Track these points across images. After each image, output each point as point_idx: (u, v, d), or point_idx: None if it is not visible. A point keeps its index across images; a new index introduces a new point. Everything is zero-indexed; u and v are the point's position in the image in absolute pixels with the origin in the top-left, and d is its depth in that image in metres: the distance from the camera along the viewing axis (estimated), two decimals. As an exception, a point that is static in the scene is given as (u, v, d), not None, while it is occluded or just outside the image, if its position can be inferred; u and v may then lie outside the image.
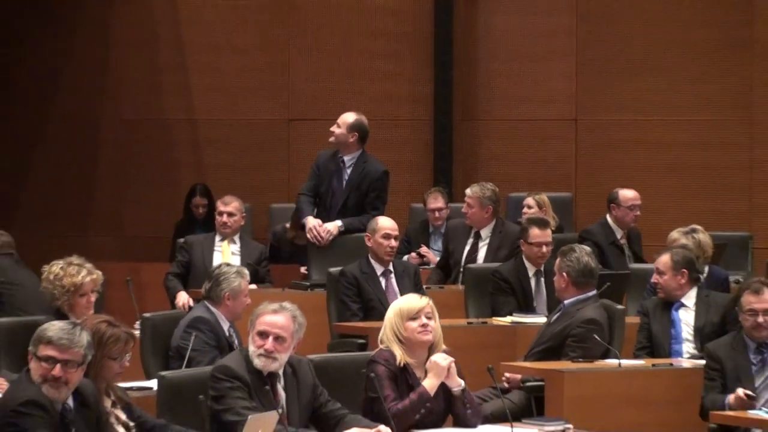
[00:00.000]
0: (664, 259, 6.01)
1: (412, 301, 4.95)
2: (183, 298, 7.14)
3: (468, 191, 7.82)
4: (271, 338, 4.57)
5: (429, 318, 4.85)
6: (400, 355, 4.80)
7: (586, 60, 10.00)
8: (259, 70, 10.19)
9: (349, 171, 7.66)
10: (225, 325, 5.68)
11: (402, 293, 6.33)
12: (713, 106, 9.73)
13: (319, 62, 10.21)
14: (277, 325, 4.60)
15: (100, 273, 5.50)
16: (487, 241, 7.66)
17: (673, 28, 9.93)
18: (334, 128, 7.67)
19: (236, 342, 5.72)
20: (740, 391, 5.15)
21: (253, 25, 10.32)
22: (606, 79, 9.97)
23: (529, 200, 8.26)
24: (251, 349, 4.60)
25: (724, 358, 5.30)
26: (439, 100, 9.95)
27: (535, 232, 6.87)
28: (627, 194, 8.05)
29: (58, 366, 4.12)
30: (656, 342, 5.93)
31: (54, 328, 4.26)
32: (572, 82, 10.05)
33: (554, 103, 10.07)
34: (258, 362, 4.58)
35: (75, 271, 5.53)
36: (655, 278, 6.08)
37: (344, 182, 7.65)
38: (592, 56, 10.02)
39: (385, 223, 6.85)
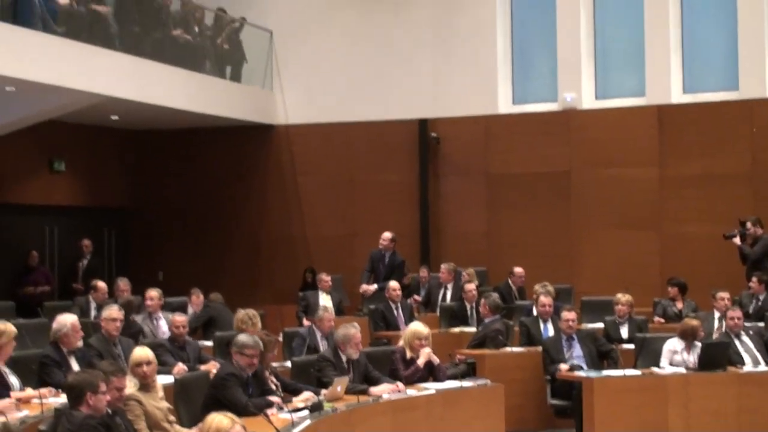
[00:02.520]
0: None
1: (421, 328, 9.85)
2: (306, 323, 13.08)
3: (443, 266, 14.18)
4: (354, 341, 9.45)
5: (426, 339, 9.77)
6: (408, 351, 9.92)
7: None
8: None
9: (387, 259, 14.27)
10: (318, 334, 10.88)
11: (405, 320, 12.47)
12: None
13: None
14: (357, 336, 9.41)
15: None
16: (450, 291, 14.02)
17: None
18: (381, 241, 14.36)
19: (321, 346, 10.74)
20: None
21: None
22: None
23: (465, 273, 14.49)
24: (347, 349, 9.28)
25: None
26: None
27: (469, 286, 13.09)
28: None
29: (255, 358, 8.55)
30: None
31: (244, 338, 8.38)
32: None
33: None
34: (350, 352, 9.33)
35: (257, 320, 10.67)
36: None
37: (385, 265, 14.25)
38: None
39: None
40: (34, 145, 16.00)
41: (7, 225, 15.85)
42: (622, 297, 12.47)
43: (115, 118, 16.48)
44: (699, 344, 10.42)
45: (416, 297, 14.77)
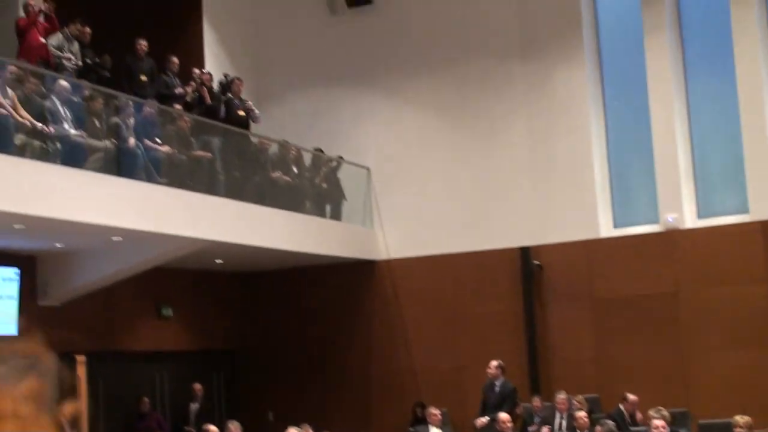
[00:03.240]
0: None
1: None
2: None
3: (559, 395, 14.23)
4: None
5: None
6: None
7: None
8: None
9: (497, 388, 14.22)
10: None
11: None
12: None
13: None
14: None
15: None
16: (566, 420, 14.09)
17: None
18: (488, 370, 14.55)
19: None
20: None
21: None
22: None
23: (575, 400, 14.35)
24: None
25: None
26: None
27: (580, 414, 13.07)
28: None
29: None
30: None
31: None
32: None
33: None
34: None
35: None
36: None
37: (495, 394, 14.14)
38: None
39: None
40: (142, 292, 16.36)
41: (118, 372, 16.15)
42: (741, 419, 12.17)
43: (219, 262, 16.79)
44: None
45: (530, 429, 14.68)
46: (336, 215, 17.75)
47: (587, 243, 16.82)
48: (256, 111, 16.90)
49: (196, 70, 16.65)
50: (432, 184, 17.95)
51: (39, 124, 12.18)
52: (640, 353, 16.26)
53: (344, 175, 18.04)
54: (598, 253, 16.75)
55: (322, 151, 17.94)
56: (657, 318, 16.27)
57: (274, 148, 16.80)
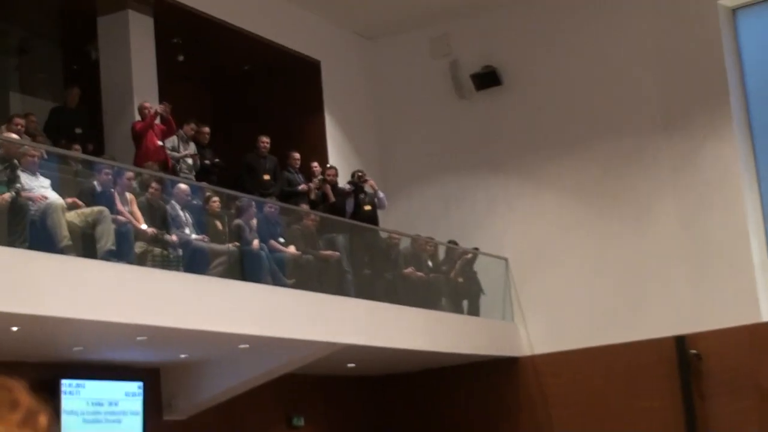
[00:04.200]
0: None
1: None
2: None
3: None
4: None
5: None
6: None
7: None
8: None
9: None
10: None
11: None
12: None
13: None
14: None
15: None
16: None
17: None
18: None
19: None
20: None
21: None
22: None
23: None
24: None
25: None
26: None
27: None
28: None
29: None
30: None
31: None
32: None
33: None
34: None
35: None
36: None
37: None
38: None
39: None
40: (271, 400, 16.18)
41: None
42: None
43: (351, 365, 16.59)
44: None
45: None
46: (474, 310, 17.52)
47: (750, 328, 16.16)
48: (381, 194, 16.71)
49: (315, 165, 16.63)
50: (576, 272, 17.59)
51: (159, 231, 12.18)
52: (816, 447, 15.46)
53: (481, 267, 17.82)
54: (762, 338, 16.05)
55: (456, 243, 17.79)
56: (833, 409, 15.47)
57: (405, 243, 16.65)
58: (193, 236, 12.73)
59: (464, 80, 18.84)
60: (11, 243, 10.27)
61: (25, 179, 10.94)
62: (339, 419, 17.62)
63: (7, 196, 10.38)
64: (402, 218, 18.23)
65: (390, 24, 19.37)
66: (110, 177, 11.99)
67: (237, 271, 13.03)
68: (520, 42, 18.58)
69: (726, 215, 16.57)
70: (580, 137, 17.89)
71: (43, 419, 2.78)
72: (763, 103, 16.92)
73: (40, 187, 11.03)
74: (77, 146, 13.41)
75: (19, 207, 10.48)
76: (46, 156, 11.62)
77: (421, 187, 19.11)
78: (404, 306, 15.50)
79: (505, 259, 18.05)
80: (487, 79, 18.62)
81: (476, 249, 17.86)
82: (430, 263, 16.93)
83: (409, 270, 16.30)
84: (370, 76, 19.78)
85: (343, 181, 16.93)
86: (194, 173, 14.81)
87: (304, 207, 15.64)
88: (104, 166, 12.09)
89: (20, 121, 12.41)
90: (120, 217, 11.63)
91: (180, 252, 12.34)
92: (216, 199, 13.32)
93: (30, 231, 10.46)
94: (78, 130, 14.51)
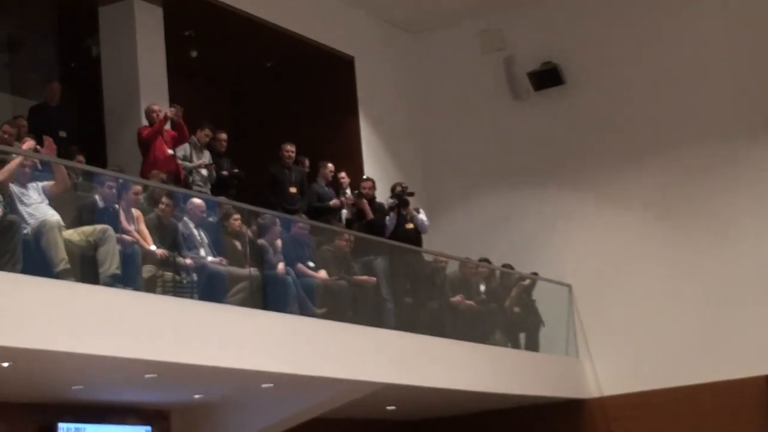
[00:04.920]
0: None
1: None
2: None
3: None
4: None
5: None
6: None
7: None
8: None
9: None
10: None
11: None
12: None
13: None
14: None
15: None
16: None
17: None
18: None
19: None
20: None
21: None
22: None
23: None
24: None
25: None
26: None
27: None
28: None
29: None
30: None
31: None
32: None
33: None
34: None
35: None
36: None
37: None
38: None
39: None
40: (298, 448, 16.17)
41: None
42: None
43: (391, 408, 16.54)
44: None
45: None
46: (532, 345, 17.51)
47: None
48: (423, 217, 16.72)
49: (343, 176, 16.68)
50: (649, 300, 17.60)
51: (170, 252, 12.15)
52: None
53: (540, 294, 17.81)
54: None
55: (511, 267, 17.77)
56: None
57: (452, 267, 16.60)
58: (209, 258, 12.68)
59: (520, 79, 18.88)
60: (0, 266, 10.26)
61: (16, 193, 10.91)
62: (377, 469, 17.62)
63: (-4, 212, 10.37)
64: (448, 238, 18.25)
65: (434, 15, 19.40)
66: (114, 191, 11.96)
67: (259, 298, 12.98)
68: (585, 35, 18.60)
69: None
70: (650, 146, 17.95)
71: None
72: None
73: (35, 203, 11.00)
74: (81, 157, 13.42)
75: (8, 225, 10.45)
76: (40, 167, 11.60)
77: (470, 202, 19.17)
78: (452, 340, 15.44)
79: (568, 286, 18.05)
80: (547, 77, 18.64)
81: (534, 274, 17.84)
82: (481, 289, 16.85)
83: (458, 298, 16.24)
84: (411, 75, 19.81)
85: (380, 195, 16.90)
86: (209, 186, 14.80)
87: (338, 225, 15.60)
88: (107, 179, 12.06)
89: (11, 130, 12.42)
90: (126, 237, 11.60)
91: (194, 277, 12.28)
92: (237, 216, 13.29)
93: (23, 252, 10.43)
94: (62, 134, 14.44)
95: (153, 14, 15.93)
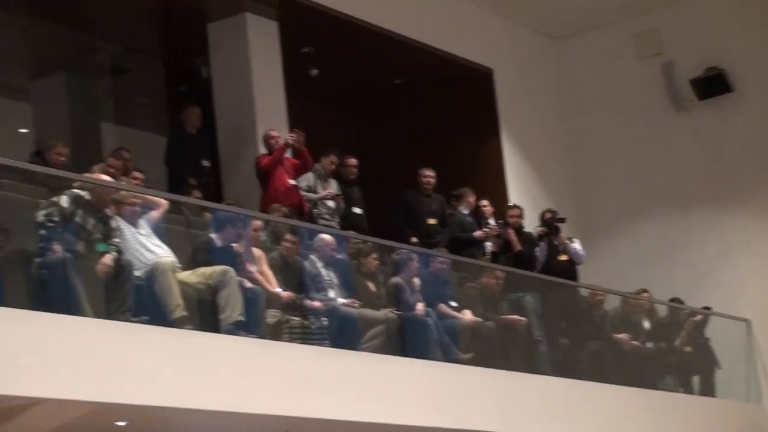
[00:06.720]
0: None
1: None
2: None
3: None
4: None
5: None
6: None
7: None
8: None
9: None
10: None
11: None
12: None
13: None
14: None
15: None
16: None
17: None
18: None
19: None
20: None
21: None
22: None
23: None
24: None
25: None
26: None
27: None
28: None
29: None
30: None
31: None
32: None
33: None
34: None
35: None
36: None
37: None
38: None
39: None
40: None
41: None
42: None
43: (548, 465, 16.38)
44: None
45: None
46: (707, 389, 17.29)
47: None
48: (577, 246, 16.65)
49: (485, 204, 16.55)
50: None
51: (296, 295, 12.19)
52: None
53: (715, 332, 17.55)
54: None
55: (680, 301, 17.64)
56: None
57: (612, 303, 16.44)
58: (340, 300, 12.68)
59: (682, 87, 18.71)
60: (111, 314, 10.32)
61: (128, 233, 11.00)
62: None
63: (110, 258, 10.41)
64: (606, 270, 18.18)
65: (581, 19, 19.35)
66: (233, 228, 12.01)
67: (397, 344, 12.96)
68: (755, 35, 18.36)
69: None
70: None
71: None
72: None
73: (146, 242, 11.09)
74: (198, 193, 13.53)
75: (120, 269, 10.53)
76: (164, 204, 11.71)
77: (628, 229, 19.16)
78: (615, 385, 15.27)
79: (746, 321, 17.87)
80: (713, 84, 18.51)
81: (707, 308, 17.66)
82: (646, 326, 16.65)
83: (622, 336, 16.05)
84: (558, 86, 19.80)
85: (527, 225, 16.82)
86: (338, 219, 14.80)
87: (482, 259, 15.57)
88: (227, 216, 12.13)
89: (116, 163, 12.54)
90: (247, 279, 11.63)
91: (324, 321, 12.27)
92: (375, 255, 13.28)
93: (135, 298, 10.49)
94: (205, 163, 14.71)
95: (267, 29, 16.02)
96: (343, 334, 12.38)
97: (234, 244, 11.90)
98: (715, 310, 17.67)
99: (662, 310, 17.28)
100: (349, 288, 12.98)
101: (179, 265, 11.09)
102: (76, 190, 10.56)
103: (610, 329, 16.16)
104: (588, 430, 14.66)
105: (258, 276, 11.94)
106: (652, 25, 19.02)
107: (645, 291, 17.24)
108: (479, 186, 17.04)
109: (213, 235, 11.93)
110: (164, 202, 11.72)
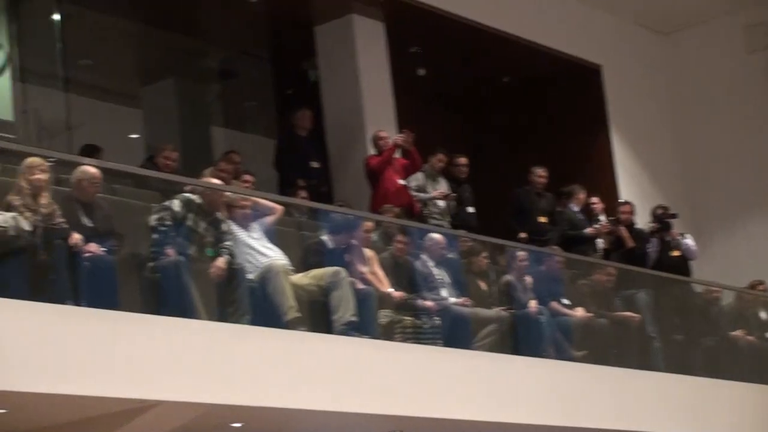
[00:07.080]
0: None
1: None
2: None
3: None
4: None
5: None
6: None
7: None
8: None
9: None
10: None
11: None
12: None
13: None
14: None
15: None
16: None
17: None
18: None
19: None
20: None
21: None
22: None
23: None
24: None
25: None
26: None
27: None
28: None
29: None
30: None
31: None
32: None
33: None
34: None
35: None
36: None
37: None
38: None
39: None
40: None
41: None
42: None
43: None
44: None
45: None
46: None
47: None
48: (690, 242, 16.50)
49: (595, 201, 16.42)
50: None
51: (408, 295, 12.17)
52: None
53: None
54: None
55: (797, 292, 17.32)
56: None
57: (728, 298, 16.29)
58: (452, 300, 12.64)
59: (796, 80, 18.48)
60: (225, 317, 10.36)
61: (241, 236, 11.05)
62: None
63: (223, 262, 10.46)
64: (721, 264, 18.03)
65: (689, 12, 19.19)
66: (344, 230, 12.03)
67: (509, 342, 12.90)
68: None
69: None
70: None
71: None
72: None
73: (259, 245, 11.14)
74: (304, 193, 13.56)
75: (233, 272, 10.58)
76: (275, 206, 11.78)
77: (744, 223, 18.98)
78: (732, 381, 15.08)
79: None
80: (825, 74, 18.23)
81: (825, 301, 17.30)
82: (763, 317, 16.47)
83: (738, 333, 15.86)
84: (666, 80, 19.61)
85: (638, 221, 16.69)
86: (449, 219, 14.77)
87: (594, 256, 15.53)
88: (335, 216, 12.17)
89: (227, 167, 12.63)
90: (359, 280, 11.63)
91: (437, 321, 12.24)
92: (485, 254, 13.24)
93: (249, 300, 10.53)
94: (314, 164, 14.76)
95: (375, 30, 16.04)
96: (455, 333, 12.34)
97: (345, 245, 11.94)
98: None
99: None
100: (460, 287, 12.97)
101: (291, 267, 11.13)
102: (187, 194, 10.65)
103: (726, 325, 15.97)
104: (703, 426, 14.48)
105: (370, 276, 11.95)
106: (763, 17, 18.76)
107: (761, 283, 17.02)
108: (589, 183, 16.92)
109: (324, 237, 11.97)
110: (280, 208, 11.83)
